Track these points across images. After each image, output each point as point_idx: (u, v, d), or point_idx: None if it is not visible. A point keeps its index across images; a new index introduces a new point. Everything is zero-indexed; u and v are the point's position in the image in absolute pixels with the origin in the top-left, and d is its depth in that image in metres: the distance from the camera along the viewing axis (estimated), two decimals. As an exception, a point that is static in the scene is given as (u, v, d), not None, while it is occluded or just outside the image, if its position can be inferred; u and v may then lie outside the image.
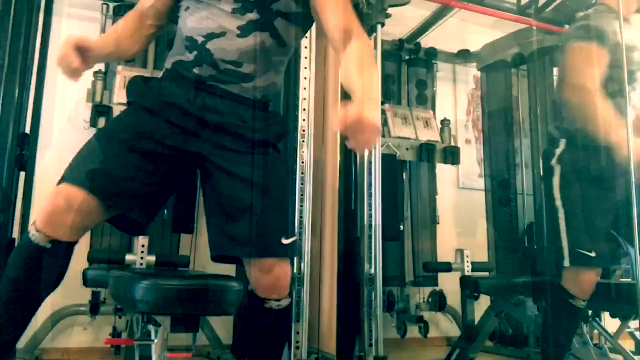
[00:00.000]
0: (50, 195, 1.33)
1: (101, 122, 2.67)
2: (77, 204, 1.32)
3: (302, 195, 2.31)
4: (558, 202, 2.21)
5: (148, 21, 1.64)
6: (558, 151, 2.25)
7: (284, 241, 1.47)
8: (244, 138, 1.51)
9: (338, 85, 2.44)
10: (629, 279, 3.02)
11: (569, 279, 2.17)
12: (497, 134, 3.42)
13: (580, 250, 2.13)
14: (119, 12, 3.00)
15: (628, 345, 2.38)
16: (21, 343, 2.32)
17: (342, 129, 1.22)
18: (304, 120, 2.36)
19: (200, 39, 1.48)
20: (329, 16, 1.50)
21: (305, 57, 2.41)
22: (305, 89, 2.39)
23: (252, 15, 1.49)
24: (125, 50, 1.63)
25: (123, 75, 2.81)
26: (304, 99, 2.37)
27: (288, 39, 1.58)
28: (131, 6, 2.95)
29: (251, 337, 1.62)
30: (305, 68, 2.40)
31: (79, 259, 2.36)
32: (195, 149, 1.48)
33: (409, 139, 3.22)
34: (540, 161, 2.40)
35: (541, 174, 2.38)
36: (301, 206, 2.30)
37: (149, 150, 1.44)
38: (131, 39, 1.62)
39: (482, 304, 2.88)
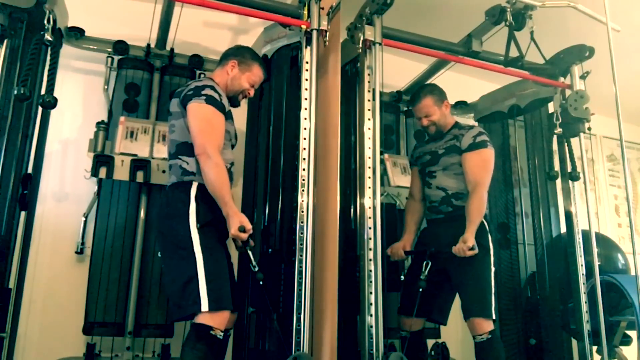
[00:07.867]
0: (220, 316, 2.01)
1: (102, 172, 2.68)
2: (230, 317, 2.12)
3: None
4: None
5: None
6: None
7: None
8: None
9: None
10: (634, 331, 2.97)
11: None
12: (496, 183, 3.43)
13: None
14: (123, 65, 3.07)
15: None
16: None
17: None
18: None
19: (228, 165, 2.23)
20: None
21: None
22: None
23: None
24: None
25: (125, 126, 2.83)
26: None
27: None
28: (135, 59, 3.03)
29: None
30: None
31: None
32: None
33: (408, 188, 3.23)
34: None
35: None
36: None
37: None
38: None
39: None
